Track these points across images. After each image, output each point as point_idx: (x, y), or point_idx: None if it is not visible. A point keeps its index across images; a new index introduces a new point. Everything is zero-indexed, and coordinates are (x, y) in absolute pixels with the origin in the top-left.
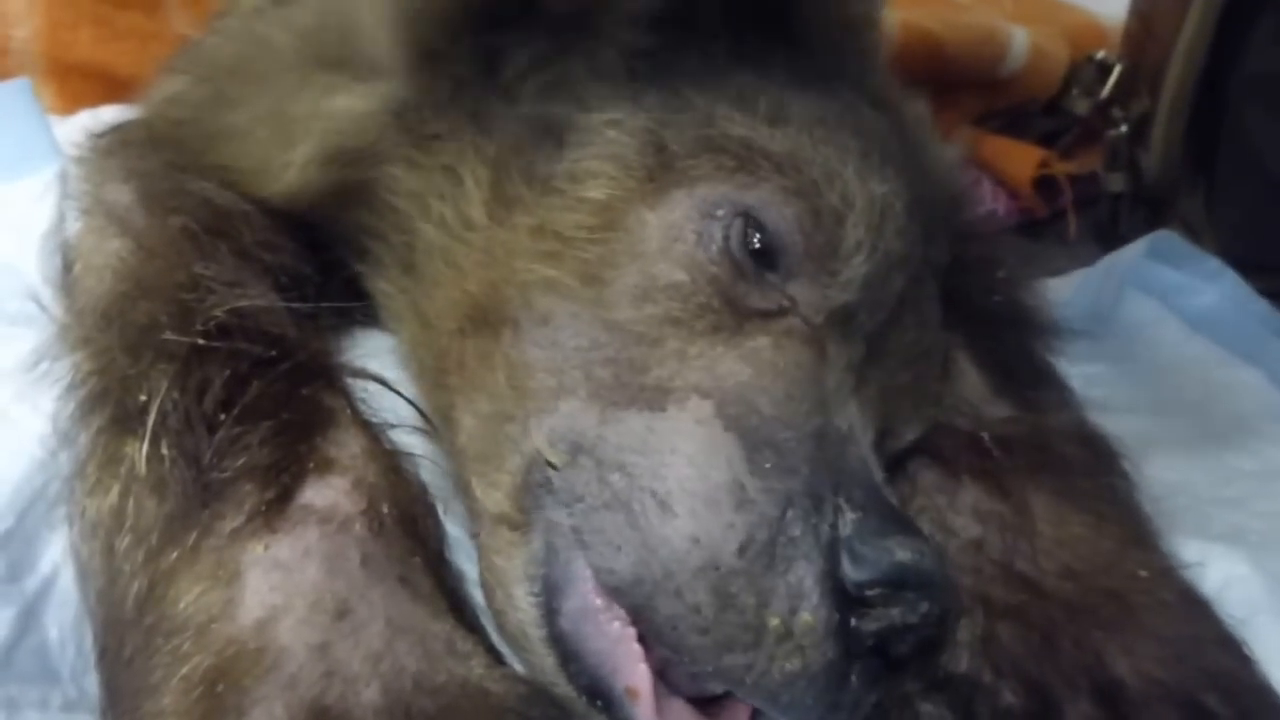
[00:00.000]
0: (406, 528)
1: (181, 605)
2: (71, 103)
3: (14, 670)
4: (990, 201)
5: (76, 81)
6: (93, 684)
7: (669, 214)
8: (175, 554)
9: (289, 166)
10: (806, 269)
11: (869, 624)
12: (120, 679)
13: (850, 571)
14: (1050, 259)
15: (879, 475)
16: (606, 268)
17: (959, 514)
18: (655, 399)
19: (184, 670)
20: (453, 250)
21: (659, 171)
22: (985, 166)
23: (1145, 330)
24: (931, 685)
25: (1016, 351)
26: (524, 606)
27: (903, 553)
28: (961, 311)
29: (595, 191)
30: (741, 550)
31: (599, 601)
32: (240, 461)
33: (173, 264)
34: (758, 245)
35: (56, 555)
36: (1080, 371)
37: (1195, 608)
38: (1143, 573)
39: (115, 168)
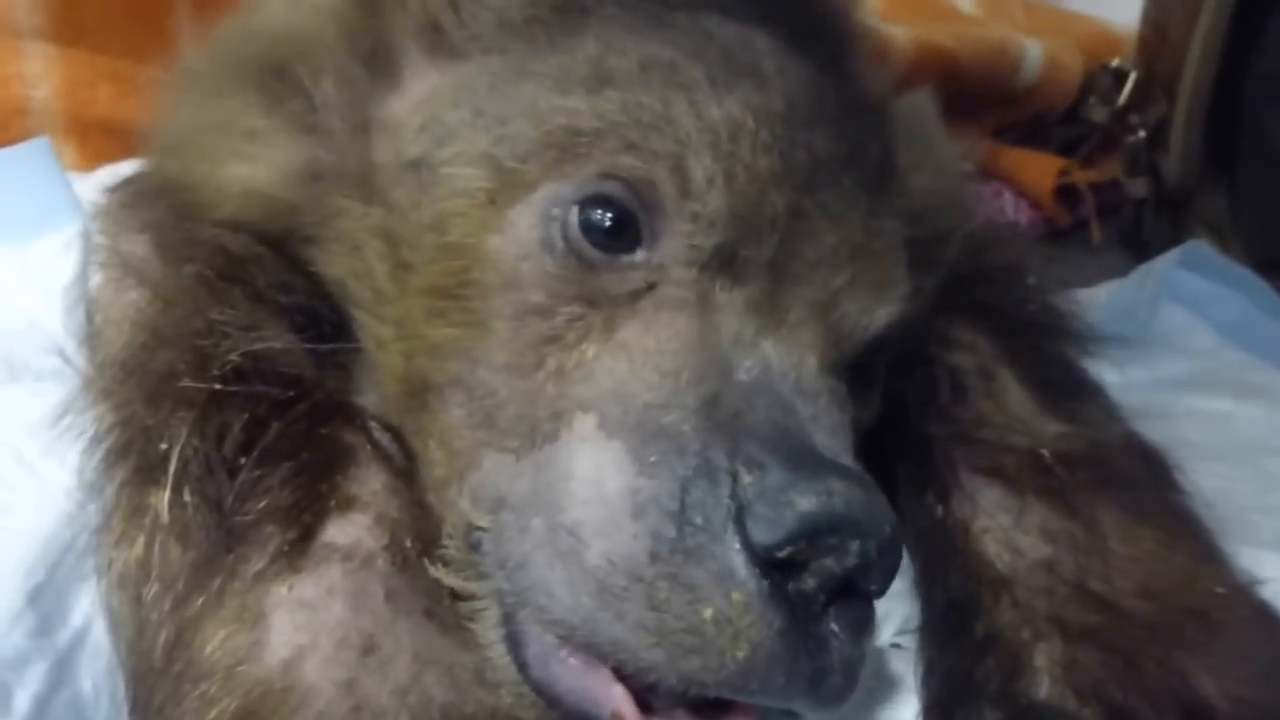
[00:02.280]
0: (432, 561)
1: (208, 650)
2: (93, 160)
3: None
4: (1012, 213)
5: (97, 138)
6: None
7: (514, 235)
8: (201, 600)
9: (225, 197)
10: (666, 227)
11: (808, 581)
12: None
13: (758, 537)
14: (1076, 267)
15: (809, 408)
16: (483, 310)
17: (1026, 534)
18: (550, 429)
19: (212, 714)
20: (376, 329)
21: (498, 193)
22: (1005, 178)
23: (1176, 339)
24: (1013, 713)
25: (1057, 363)
26: (502, 665)
27: (805, 501)
28: (996, 324)
29: (453, 233)
30: (654, 555)
31: (554, 640)
32: (262, 504)
33: (189, 312)
34: (604, 225)
35: (88, 607)
36: (1115, 380)
37: (1275, 625)
38: (1219, 589)
39: (130, 219)
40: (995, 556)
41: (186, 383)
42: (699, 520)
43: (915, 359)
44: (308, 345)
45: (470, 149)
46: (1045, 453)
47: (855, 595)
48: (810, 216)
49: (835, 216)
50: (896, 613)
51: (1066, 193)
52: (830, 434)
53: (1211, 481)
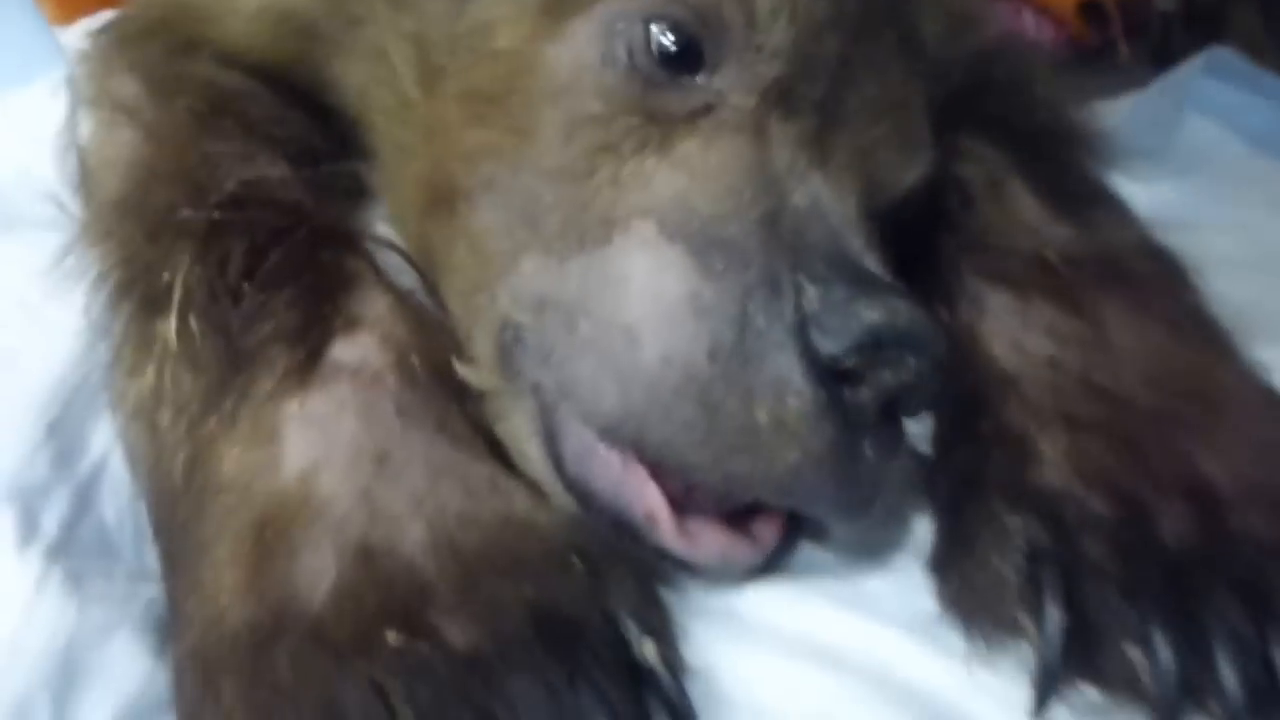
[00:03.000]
0: (440, 377)
1: (225, 468)
2: (71, 13)
3: (76, 546)
4: (1034, 33)
5: None
6: (154, 558)
7: (573, 44)
8: (215, 421)
9: (237, 15)
10: (729, 55)
11: (864, 394)
12: (175, 545)
13: (822, 346)
14: (1102, 87)
15: (857, 240)
16: (530, 116)
17: (1032, 333)
18: (602, 234)
19: (234, 524)
20: (400, 135)
21: (555, 3)
22: None
23: (1205, 151)
24: (1018, 501)
25: (1068, 170)
26: (535, 459)
27: (871, 313)
28: (1004, 135)
29: (501, 40)
30: (712, 356)
31: (594, 438)
32: (268, 327)
33: (182, 146)
34: (670, 47)
35: (105, 441)
36: (1141, 193)
37: (1278, 407)
38: (1224, 377)
39: (118, 59)
40: (1002, 357)
41: (185, 215)
42: (761, 326)
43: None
44: (305, 172)
45: None
46: (1051, 254)
47: (890, 417)
48: (856, 65)
49: (878, 69)
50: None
51: (1092, 10)
52: (880, 268)
53: (1239, 289)
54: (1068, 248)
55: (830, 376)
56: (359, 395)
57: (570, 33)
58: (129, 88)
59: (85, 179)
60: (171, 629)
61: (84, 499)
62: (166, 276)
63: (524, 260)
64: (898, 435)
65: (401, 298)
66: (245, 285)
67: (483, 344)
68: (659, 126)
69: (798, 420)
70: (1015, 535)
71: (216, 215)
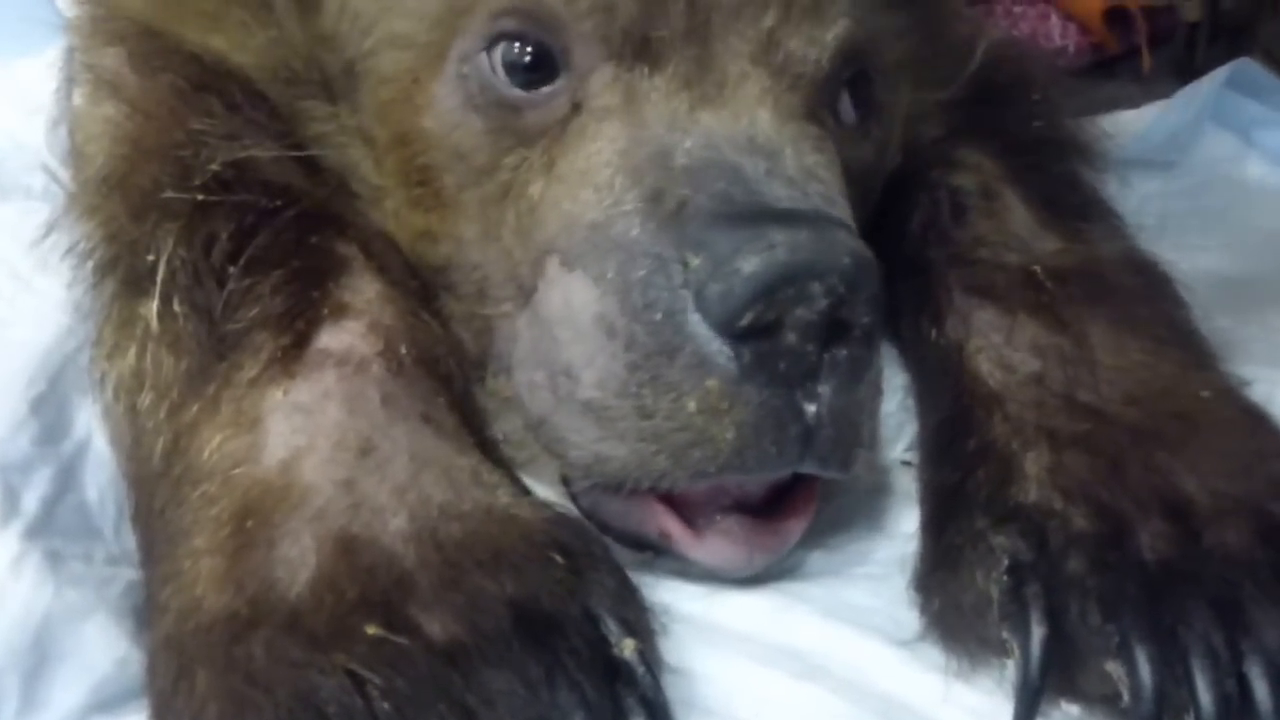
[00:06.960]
0: (427, 368)
1: (206, 454)
2: None
3: (56, 525)
4: (1059, 38)
5: None
6: (134, 540)
7: (441, 107)
8: (196, 406)
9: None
10: (573, 34)
11: (789, 338)
12: (154, 530)
13: (720, 314)
14: (1125, 96)
15: (765, 162)
16: (446, 188)
17: (1017, 350)
18: (530, 282)
19: (213, 512)
20: (378, 218)
21: (419, 69)
22: (1054, 0)
23: (1223, 166)
24: (1001, 518)
25: (1063, 180)
26: (558, 496)
27: (748, 263)
28: (1002, 144)
29: (393, 122)
30: (632, 366)
31: None
32: (253, 311)
33: (167, 123)
34: (525, 59)
35: (90, 419)
36: (1155, 209)
37: (1258, 423)
38: (1205, 393)
39: (104, 31)
40: (987, 374)
41: (170, 194)
42: (659, 317)
43: (919, 182)
44: (293, 153)
45: (386, 32)
46: (1037, 269)
47: (848, 336)
48: None
49: None
50: (907, 430)
51: (1117, 17)
52: (792, 182)
53: (1243, 305)
54: (1054, 262)
55: (750, 336)
56: (344, 384)
57: (436, 97)
58: (113, 61)
59: (73, 152)
60: (147, 615)
61: (66, 478)
62: (150, 257)
63: (495, 329)
64: (859, 352)
65: (393, 284)
66: (231, 268)
67: (493, 385)
68: (537, 148)
69: (721, 398)
70: (999, 552)
71: (201, 196)
